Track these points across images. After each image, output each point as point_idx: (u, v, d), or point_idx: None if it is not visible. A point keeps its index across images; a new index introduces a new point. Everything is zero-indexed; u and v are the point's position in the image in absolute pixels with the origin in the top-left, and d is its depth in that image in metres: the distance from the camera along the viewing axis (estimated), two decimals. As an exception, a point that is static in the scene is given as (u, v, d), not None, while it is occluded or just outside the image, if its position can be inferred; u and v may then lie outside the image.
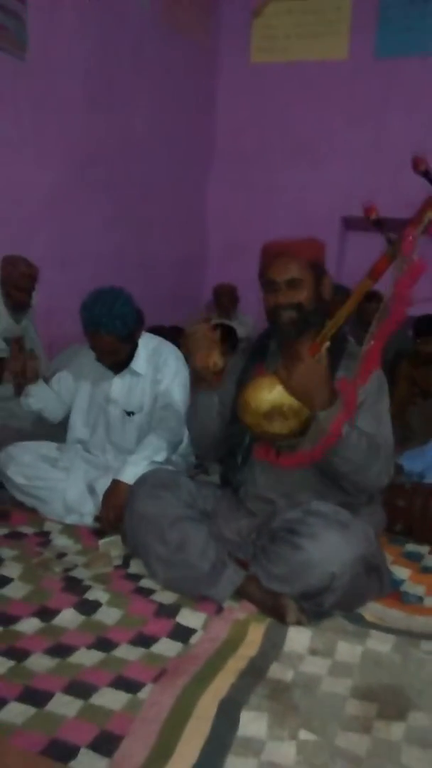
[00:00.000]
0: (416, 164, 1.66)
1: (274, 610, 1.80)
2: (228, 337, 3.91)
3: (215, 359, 1.95)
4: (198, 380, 2.04)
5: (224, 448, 2.08)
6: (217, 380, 1.99)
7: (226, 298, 5.38)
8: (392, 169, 5.21)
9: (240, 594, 1.89)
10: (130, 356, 2.56)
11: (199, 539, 1.91)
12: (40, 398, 2.66)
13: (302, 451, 1.80)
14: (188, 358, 2.14)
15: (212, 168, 6.14)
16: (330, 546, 1.73)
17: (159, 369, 2.57)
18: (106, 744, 1.31)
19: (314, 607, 1.80)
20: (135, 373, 2.58)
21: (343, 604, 1.82)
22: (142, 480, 2.09)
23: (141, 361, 2.58)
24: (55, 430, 3.04)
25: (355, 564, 1.75)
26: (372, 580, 1.87)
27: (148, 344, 2.61)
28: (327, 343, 1.78)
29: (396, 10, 5.36)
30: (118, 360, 2.53)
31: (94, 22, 4.29)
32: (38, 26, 3.79)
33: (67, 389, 2.72)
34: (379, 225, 1.69)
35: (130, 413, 2.59)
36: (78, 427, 2.72)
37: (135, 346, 2.57)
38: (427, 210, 1.62)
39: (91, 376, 2.66)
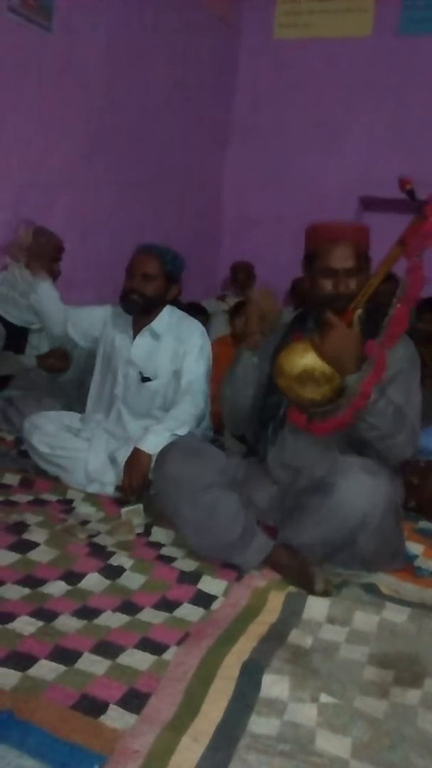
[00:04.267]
0: (402, 185, 1.71)
1: (301, 578, 1.85)
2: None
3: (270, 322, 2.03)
4: (243, 337, 2.09)
5: (257, 418, 2.13)
6: (255, 344, 2.06)
7: (242, 276, 5.39)
8: (412, 149, 5.20)
9: (268, 562, 1.94)
10: (152, 307, 2.58)
11: (231, 506, 1.95)
12: (45, 299, 2.75)
13: (333, 418, 1.85)
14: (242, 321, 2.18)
15: (229, 143, 6.11)
16: (360, 486, 1.79)
17: (182, 341, 2.59)
18: (134, 701, 1.37)
19: (349, 559, 1.87)
20: (155, 334, 2.61)
21: (376, 557, 1.89)
22: (173, 444, 2.12)
23: (162, 324, 2.61)
24: (73, 401, 3.11)
25: (386, 506, 1.81)
26: (399, 531, 1.94)
27: (173, 313, 2.66)
28: (359, 311, 1.85)
29: (421, -13, 5.31)
30: (146, 294, 2.52)
31: (118, -6, 4.28)
32: (64, -1, 3.78)
33: (87, 318, 2.77)
34: (412, 195, 1.73)
35: (146, 379, 2.62)
36: (95, 390, 2.76)
37: (162, 302, 2.60)
38: None
39: (115, 334, 2.70)
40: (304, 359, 1.86)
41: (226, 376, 2.19)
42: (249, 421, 2.18)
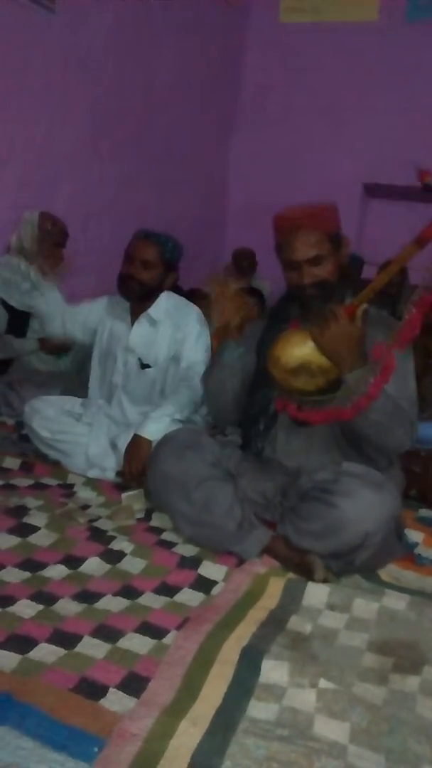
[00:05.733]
0: (421, 176, 1.68)
1: (301, 567, 1.84)
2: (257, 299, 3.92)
3: (234, 314, 2.00)
4: (221, 335, 2.07)
5: (245, 414, 2.10)
6: (238, 334, 2.02)
7: (245, 262, 5.37)
8: (419, 136, 5.17)
9: (266, 552, 1.93)
10: (149, 294, 2.57)
11: (225, 499, 1.94)
12: (51, 304, 2.73)
13: (331, 409, 1.82)
14: (209, 318, 2.17)
15: (235, 128, 6.08)
16: (365, 504, 1.76)
17: (179, 327, 2.59)
18: (133, 684, 1.37)
19: (344, 566, 1.84)
20: (152, 321, 2.60)
21: (372, 563, 1.86)
22: (165, 440, 2.10)
23: (159, 310, 2.60)
24: (74, 386, 3.10)
25: (388, 523, 1.79)
26: (400, 539, 1.92)
27: (170, 298, 2.64)
28: (364, 306, 1.80)
29: (430, -28, 5.26)
30: (143, 281, 2.51)
31: (124, -25, 4.23)
32: (68, -22, 3.74)
33: (82, 314, 2.76)
34: (430, 188, 1.70)
35: (145, 366, 2.61)
36: (95, 377, 2.76)
37: (158, 289, 2.59)
38: None
39: (113, 322, 2.69)
40: (302, 352, 1.80)
41: (208, 370, 2.16)
42: (236, 413, 2.15)
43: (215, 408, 2.23)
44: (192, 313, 2.64)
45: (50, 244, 3.21)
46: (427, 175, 1.58)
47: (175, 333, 2.59)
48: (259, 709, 1.33)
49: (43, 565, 1.81)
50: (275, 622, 1.63)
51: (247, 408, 2.10)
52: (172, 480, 1.99)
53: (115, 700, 1.32)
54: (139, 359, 2.61)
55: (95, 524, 2.09)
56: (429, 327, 3.78)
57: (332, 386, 1.82)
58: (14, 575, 1.75)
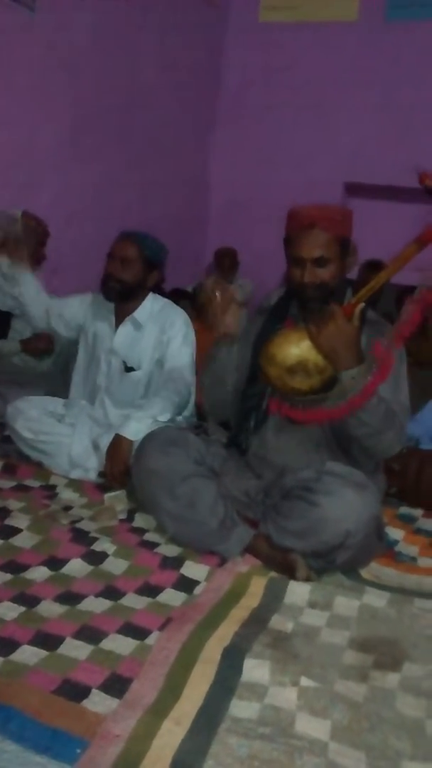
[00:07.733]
0: (421, 179, 1.69)
1: (283, 566, 1.85)
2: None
3: (232, 318, 2.00)
4: (215, 332, 2.08)
5: (237, 409, 2.11)
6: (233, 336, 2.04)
7: (227, 262, 5.37)
8: (400, 135, 5.20)
9: (248, 551, 1.94)
10: (131, 293, 2.57)
11: (209, 496, 1.95)
12: (30, 292, 2.72)
13: (322, 408, 1.83)
14: (203, 316, 2.17)
15: (216, 127, 6.08)
16: (346, 504, 1.77)
17: (164, 330, 2.59)
18: (116, 685, 1.37)
19: (325, 565, 1.85)
20: (137, 324, 2.60)
21: (353, 562, 1.88)
22: (151, 436, 2.11)
23: (144, 313, 2.61)
24: (57, 387, 3.09)
25: (369, 523, 1.80)
26: (381, 539, 1.94)
27: (155, 302, 2.65)
28: (362, 305, 1.81)
29: (409, -28, 5.30)
30: (123, 279, 2.53)
31: (103, -27, 4.22)
32: (48, -24, 3.73)
33: (69, 308, 2.75)
34: (431, 191, 1.71)
35: (129, 369, 2.62)
36: (79, 378, 2.76)
37: (143, 290, 2.60)
38: None
39: (97, 323, 2.69)
40: (299, 349, 1.80)
41: (204, 367, 2.18)
42: (230, 408, 2.17)
43: (213, 401, 2.24)
44: (178, 314, 2.65)
45: (33, 243, 3.20)
46: (427, 177, 1.59)
47: (160, 336, 2.60)
48: (241, 708, 1.34)
49: (25, 567, 1.81)
50: (257, 620, 1.64)
51: (240, 402, 2.11)
52: (156, 475, 2.00)
53: (98, 701, 1.32)
54: (124, 362, 2.61)
55: (78, 525, 2.09)
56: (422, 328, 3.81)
57: (326, 386, 1.83)
58: (-4, 577, 1.75)
